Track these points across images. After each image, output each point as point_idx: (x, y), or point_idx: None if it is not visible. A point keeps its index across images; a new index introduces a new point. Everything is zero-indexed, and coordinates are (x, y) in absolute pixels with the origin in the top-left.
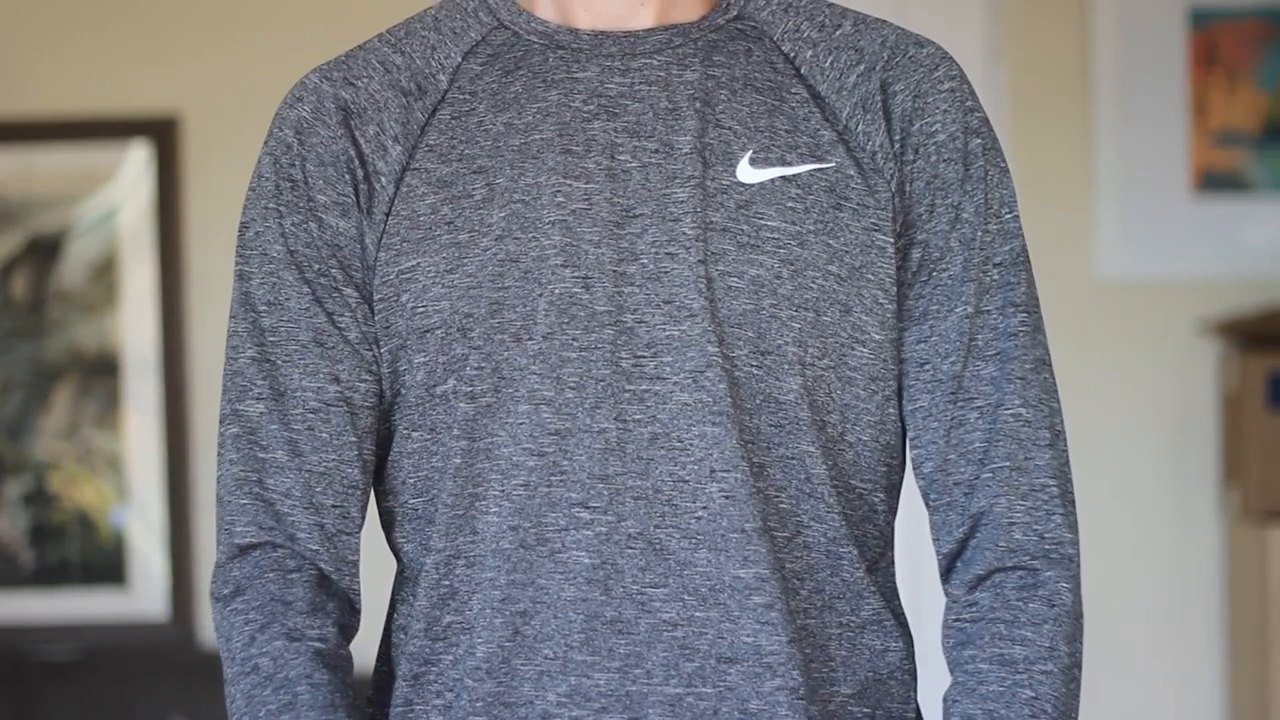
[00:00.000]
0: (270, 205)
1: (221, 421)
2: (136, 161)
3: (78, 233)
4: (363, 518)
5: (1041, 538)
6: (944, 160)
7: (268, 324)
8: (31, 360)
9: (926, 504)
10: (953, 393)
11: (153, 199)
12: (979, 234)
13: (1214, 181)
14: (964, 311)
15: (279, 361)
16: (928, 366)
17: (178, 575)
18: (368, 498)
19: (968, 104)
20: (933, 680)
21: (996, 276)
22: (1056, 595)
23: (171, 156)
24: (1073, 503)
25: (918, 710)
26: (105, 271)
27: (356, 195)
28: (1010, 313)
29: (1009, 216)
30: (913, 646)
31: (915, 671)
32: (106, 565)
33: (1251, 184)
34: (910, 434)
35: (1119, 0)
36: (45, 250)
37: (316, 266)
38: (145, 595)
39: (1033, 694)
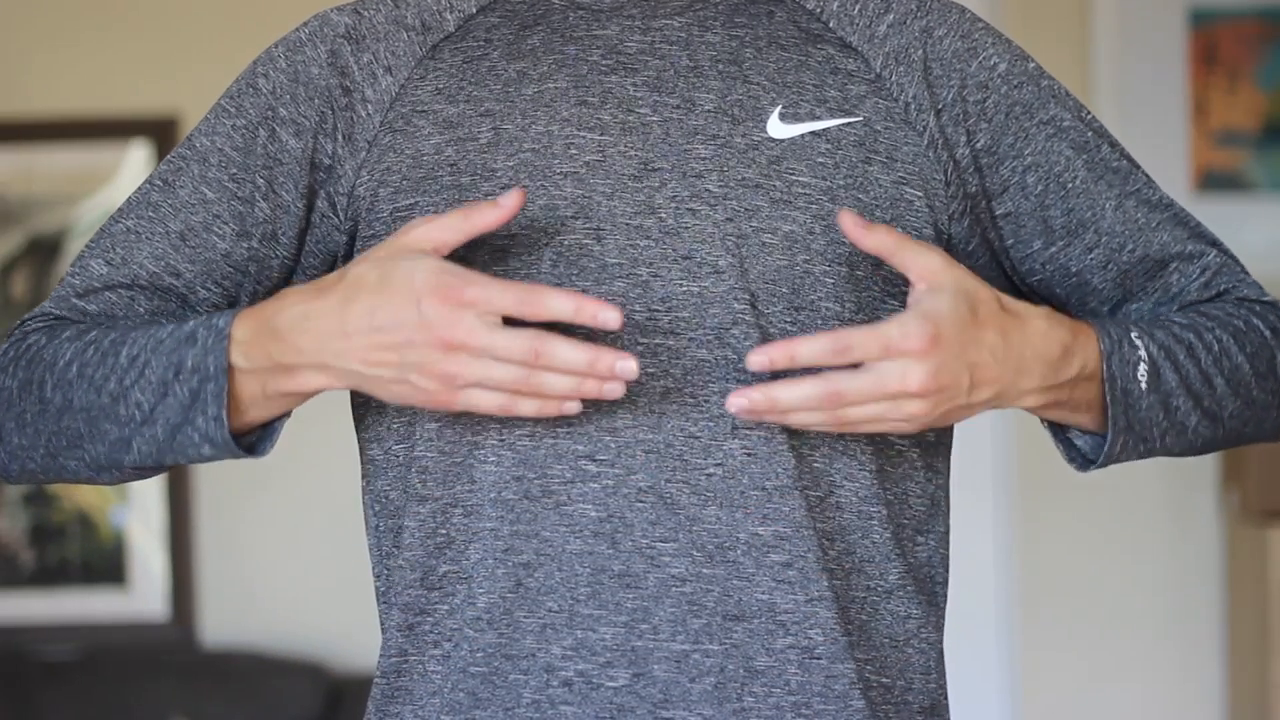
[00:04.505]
0: (226, 104)
1: (74, 261)
2: (136, 161)
3: (78, 233)
4: None
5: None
6: (1015, 87)
7: (154, 199)
8: None
9: None
10: (1147, 271)
11: None
12: (1086, 134)
13: (1214, 181)
14: (1114, 204)
15: (144, 235)
16: (1111, 266)
17: (178, 575)
18: None
19: (1003, 37)
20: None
21: (1124, 160)
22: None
23: None
24: None
25: (941, 683)
26: None
27: (322, 120)
28: (1148, 182)
29: (1090, 114)
30: (937, 617)
31: (938, 643)
32: (106, 565)
33: (1251, 184)
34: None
35: (1119, 0)
36: (45, 250)
37: (233, 170)
38: (145, 595)
39: (1226, 340)
